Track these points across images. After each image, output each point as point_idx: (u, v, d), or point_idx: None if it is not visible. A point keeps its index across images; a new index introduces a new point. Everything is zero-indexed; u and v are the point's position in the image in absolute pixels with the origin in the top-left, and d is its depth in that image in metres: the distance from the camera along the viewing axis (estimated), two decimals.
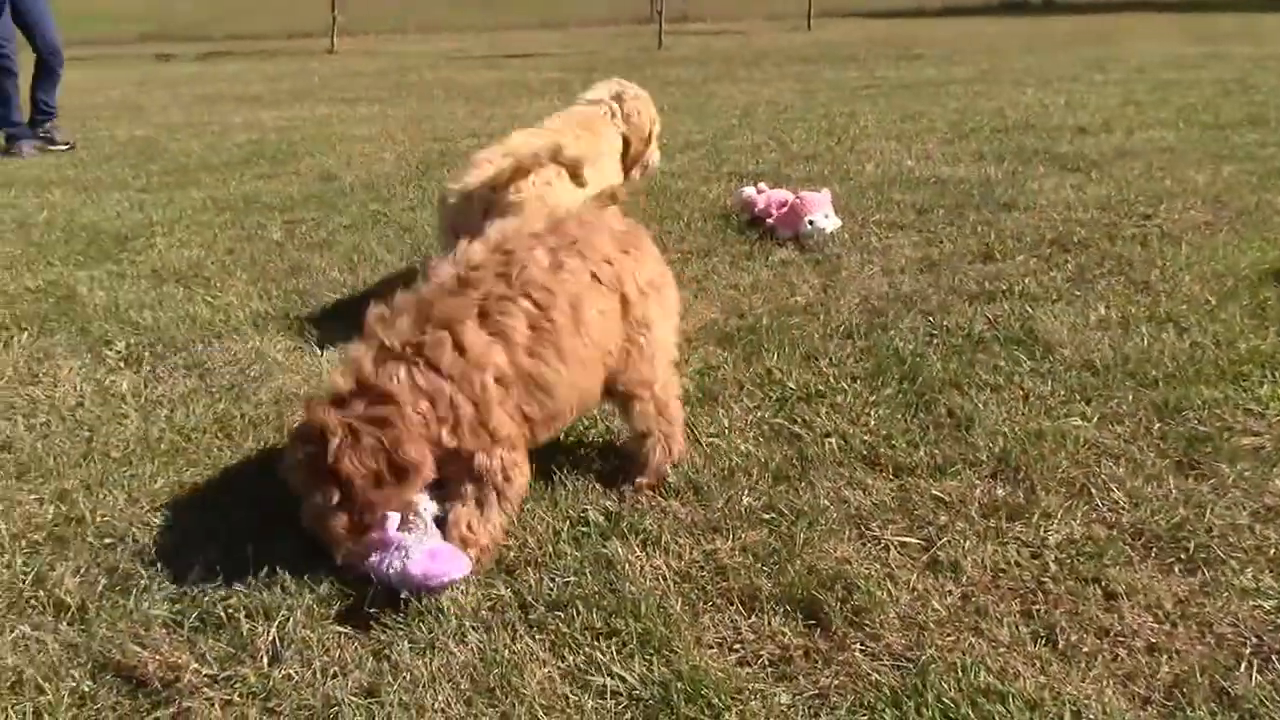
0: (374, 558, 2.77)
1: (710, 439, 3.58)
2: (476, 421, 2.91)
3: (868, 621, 2.62)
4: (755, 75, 15.59)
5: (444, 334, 2.88)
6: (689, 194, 7.31)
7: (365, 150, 9.79)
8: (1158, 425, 3.55)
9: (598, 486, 3.29)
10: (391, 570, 2.73)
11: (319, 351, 4.50)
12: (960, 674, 2.41)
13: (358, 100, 14.00)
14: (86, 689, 2.47)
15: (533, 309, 2.97)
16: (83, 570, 2.94)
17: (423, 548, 2.76)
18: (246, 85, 16.64)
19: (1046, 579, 2.77)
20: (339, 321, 4.85)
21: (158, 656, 2.56)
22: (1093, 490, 3.17)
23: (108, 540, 3.09)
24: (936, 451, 3.43)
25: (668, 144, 9.26)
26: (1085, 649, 2.50)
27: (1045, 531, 2.97)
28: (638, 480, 3.30)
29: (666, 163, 8.37)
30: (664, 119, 10.90)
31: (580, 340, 3.04)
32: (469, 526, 2.92)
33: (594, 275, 3.10)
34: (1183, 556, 2.84)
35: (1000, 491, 3.19)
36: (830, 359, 4.21)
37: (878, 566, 2.84)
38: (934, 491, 3.20)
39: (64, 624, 2.71)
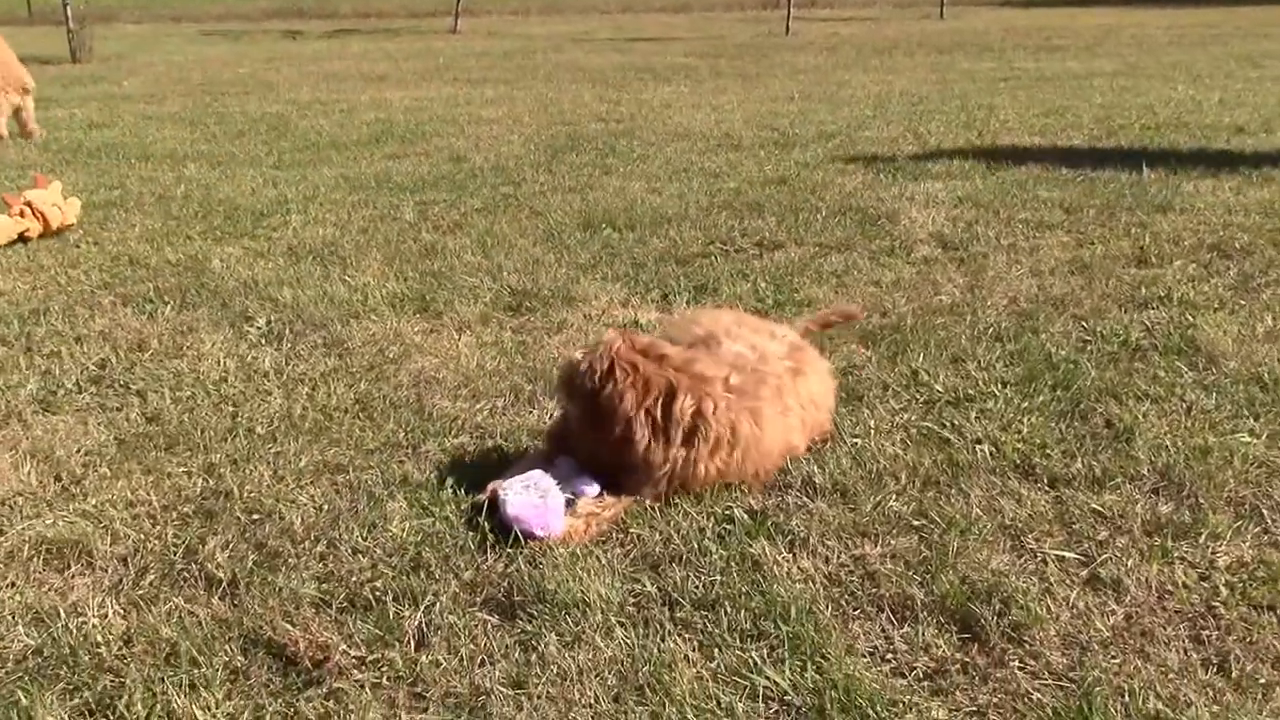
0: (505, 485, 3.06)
1: (855, 439, 3.48)
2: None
3: (1027, 638, 2.51)
4: (887, 64, 15.34)
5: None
6: (826, 185, 7.19)
7: (493, 132, 9.86)
8: None
9: (741, 485, 3.22)
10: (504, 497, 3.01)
11: (456, 335, 4.51)
12: (1128, 698, 2.29)
13: (483, 81, 14.11)
14: (239, 664, 2.48)
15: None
16: (231, 545, 2.96)
17: (531, 500, 2.98)
18: (372, 64, 16.90)
19: (1217, 603, 2.62)
20: (475, 305, 4.86)
21: (307, 635, 2.56)
22: (1264, 511, 3.00)
23: (255, 516, 3.12)
24: (1095, 463, 3.29)
25: (799, 134, 9.18)
26: (1262, 680, 2.36)
27: (1214, 553, 2.82)
28: None
29: (800, 153, 8.28)
30: (795, 107, 10.83)
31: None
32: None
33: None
34: None
35: (1164, 508, 3.04)
36: (979, 362, 4.08)
37: (1035, 581, 2.72)
38: (1093, 505, 3.06)
39: (215, 598, 2.73)
